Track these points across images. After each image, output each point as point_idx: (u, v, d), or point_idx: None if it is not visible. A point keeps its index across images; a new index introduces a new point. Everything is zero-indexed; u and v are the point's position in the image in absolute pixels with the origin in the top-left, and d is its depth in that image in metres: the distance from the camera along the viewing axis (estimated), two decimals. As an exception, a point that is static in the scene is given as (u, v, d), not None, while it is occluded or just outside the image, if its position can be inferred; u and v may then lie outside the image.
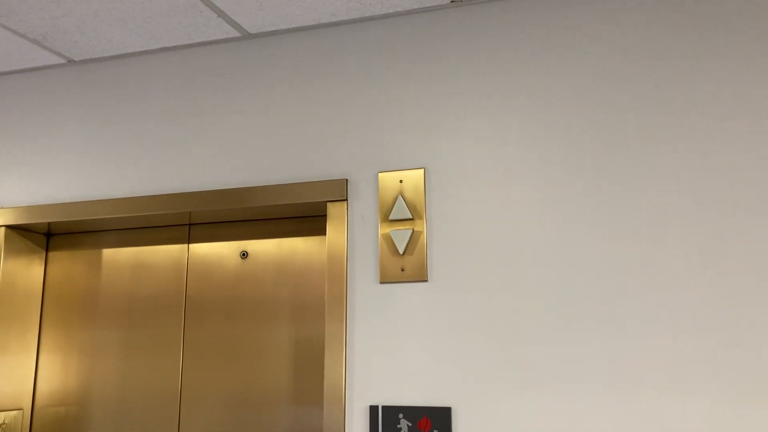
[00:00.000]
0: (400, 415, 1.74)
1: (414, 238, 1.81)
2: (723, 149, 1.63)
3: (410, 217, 1.82)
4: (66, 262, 2.34)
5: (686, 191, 1.63)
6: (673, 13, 1.73)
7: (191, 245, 2.21)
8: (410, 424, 1.72)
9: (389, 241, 1.83)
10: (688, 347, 1.57)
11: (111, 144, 2.20)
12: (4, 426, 2.16)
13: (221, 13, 1.95)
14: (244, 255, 2.14)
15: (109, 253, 2.30)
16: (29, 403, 2.26)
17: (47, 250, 2.37)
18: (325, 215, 2.00)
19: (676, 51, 1.71)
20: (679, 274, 1.60)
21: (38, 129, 2.30)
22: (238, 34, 2.09)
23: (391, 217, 1.83)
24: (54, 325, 2.31)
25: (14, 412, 2.21)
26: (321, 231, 2.07)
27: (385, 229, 1.84)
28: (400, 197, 1.84)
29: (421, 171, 1.84)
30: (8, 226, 2.24)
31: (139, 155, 2.16)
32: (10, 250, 2.25)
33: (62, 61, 2.28)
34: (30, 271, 2.31)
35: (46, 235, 2.37)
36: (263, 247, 2.13)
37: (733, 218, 1.59)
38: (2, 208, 2.25)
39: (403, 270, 1.80)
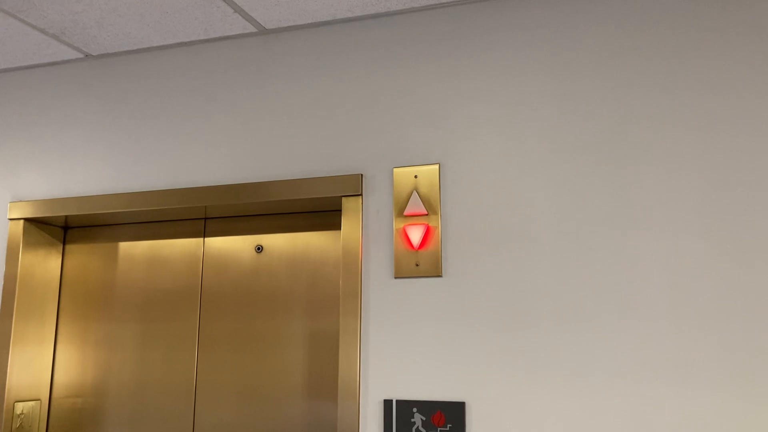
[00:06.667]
0: (414, 410, 1.74)
1: (429, 233, 1.81)
2: (741, 141, 1.62)
3: (425, 212, 1.82)
4: (83, 255, 2.37)
5: (702, 186, 1.63)
6: (692, 12, 1.71)
7: (207, 239, 2.23)
8: (424, 419, 1.73)
9: (404, 236, 1.83)
10: (702, 341, 1.56)
11: (127, 138, 2.21)
12: (22, 416, 2.19)
13: (238, 9, 1.96)
14: (259, 249, 2.15)
15: (125, 247, 2.32)
16: (47, 394, 2.29)
17: (64, 243, 2.40)
18: (340, 210, 2.00)
19: (692, 48, 1.70)
20: (694, 269, 1.60)
21: (56, 123, 2.32)
22: (254, 30, 2.09)
23: (405, 212, 1.84)
24: (71, 317, 2.33)
25: (32, 402, 2.24)
26: (336, 226, 2.07)
27: (399, 224, 1.84)
28: (415, 192, 1.84)
29: (436, 166, 1.84)
30: (27, 219, 2.27)
31: (155, 149, 2.17)
32: (29, 242, 2.27)
33: (80, 55, 2.30)
34: (47, 264, 2.34)
35: (64, 228, 2.40)
36: (278, 242, 2.14)
37: (750, 210, 1.58)
38: (21, 201, 2.28)
39: (417, 265, 1.81)
